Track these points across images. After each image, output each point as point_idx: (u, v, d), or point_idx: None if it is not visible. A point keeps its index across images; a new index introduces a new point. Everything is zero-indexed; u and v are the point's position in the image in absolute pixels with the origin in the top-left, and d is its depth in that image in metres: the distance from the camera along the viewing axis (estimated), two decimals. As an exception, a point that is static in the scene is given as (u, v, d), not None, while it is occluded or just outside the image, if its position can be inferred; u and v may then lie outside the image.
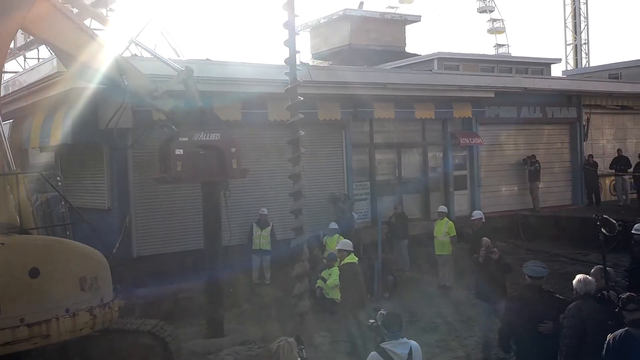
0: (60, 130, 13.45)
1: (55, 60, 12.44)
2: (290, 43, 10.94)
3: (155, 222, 13.94)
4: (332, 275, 11.86)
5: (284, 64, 11.29)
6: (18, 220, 7.61)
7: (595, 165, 21.60)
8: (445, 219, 14.76)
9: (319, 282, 12.43)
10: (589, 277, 6.97)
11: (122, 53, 10.66)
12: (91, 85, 11.05)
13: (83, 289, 7.50)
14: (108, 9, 20.69)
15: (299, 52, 11.29)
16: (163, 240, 13.94)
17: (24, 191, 7.97)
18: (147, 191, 13.66)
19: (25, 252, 7.19)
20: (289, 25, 10.86)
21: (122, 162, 13.72)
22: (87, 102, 12.30)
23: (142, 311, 10.53)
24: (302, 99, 11.28)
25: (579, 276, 6.96)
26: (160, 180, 10.97)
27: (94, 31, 10.47)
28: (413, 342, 5.92)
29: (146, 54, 11.85)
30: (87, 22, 11.59)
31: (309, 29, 29.77)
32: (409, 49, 30.21)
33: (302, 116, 11.35)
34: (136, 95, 10.14)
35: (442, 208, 15.37)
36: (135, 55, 12.37)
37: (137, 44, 11.28)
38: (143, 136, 11.24)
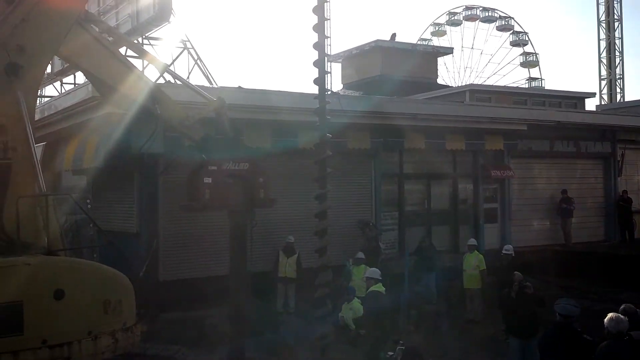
0: (93, 154, 13.67)
1: (90, 86, 12.69)
2: (320, 81, 10.98)
3: (182, 247, 13.98)
4: (353, 309, 11.70)
5: (315, 92, 11.33)
6: (45, 241, 7.68)
7: (630, 201, 21.16)
8: (475, 252, 14.53)
9: (343, 311, 12.27)
10: (621, 316, 6.74)
11: (156, 80, 10.82)
12: (125, 112, 11.22)
13: (106, 312, 7.50)
14: (144, 37, 21.13)
15: (329, 72, 11.34)
16: (189, 265, 13.96)
17: (52, 213, 8.05)
18: (175, 216, 13.73)
19: (51, 273, 7.23)
20: (319, 46, 10.88)
21: (151, 187, 13.86)
22: (120, 127, 12.49)
23: (167, 336, 10.49)
24: (331, 136, 11.23)
25: (610, 314, 6.74)
26: (188, 208, 11.01)
27: (130, 60, 10.65)
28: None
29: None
30: (122, 50, 11.83)
31: (340, 60, 30.02)
32: (440, 80, 30.17)
33: (331, 153, 11.28)
34: (168, 123, 10.28)
35: (472, 241, 15.14)
36: (169, 82, 12.56)
37: (171, 74, 11.45)
38: (174, 163, 11.33)
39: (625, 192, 21.39)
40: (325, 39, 10.67)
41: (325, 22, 10.68)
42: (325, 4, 9.86)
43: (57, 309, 7.10)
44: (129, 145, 13.30)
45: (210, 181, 10.29)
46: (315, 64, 10.99)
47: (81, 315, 7.32)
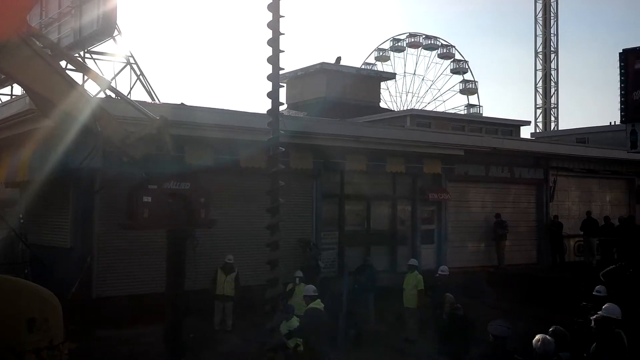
0: (27, 167, 13.32)
1: (27, 98, 12.41)
2: (273, 94, 10.95)
3: (117, 263, 13.73)
4: (292, 328, 11.69)
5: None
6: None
7: (560, 226, 21.97)
8: (415, 272, 14.74)
9: (282, 329, 12.25)
10: (548, 337, 6.99)
11: (96, 95, 10.70)
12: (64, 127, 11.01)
13: (31, 330, 7.28)
14: (85, 51, 20.82)
15: (283, 104, 11.33)
16: (124, 282, 13.72)
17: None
18: (111, 233, 13.49)
19: (-29, 290, 6.99)
20: (273, 77, 10.84)
21: (87, 202, 13.61)
22: (57, 141, 12.24)
23: (100, 354, 10.26)
24: (284, 149, 11.20)
25: (537, 336, 6.97)
26: (126, 226, 10.85)
27: (70, 75, 10.50)
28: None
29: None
30: (62, 64, 11.62)
31: (285, 80, 30.28)
32: (383, 104, 30.83)
33: (283, 167, 11.26)
34: (109, 140, 10.13)
35: (413, 261, 15.38)
36: (110, 97, 12.42)
37: (112, 90, 11.33)
38: (112, 179, 11.16)
39: (556, 217, 22.20)
40: (280, 53, 10.67)
41: (280, 36, 10.73)
42: (280, 19, 9.89)
43: (-23, 326, 6.85)
44: (65, 159, 13.03)
45: (150, 200, 10.18)
46: (269, 77, 10.96)
47: (3, 332, 7.09)
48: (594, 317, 8.16)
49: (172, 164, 10.72)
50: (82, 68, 11.51)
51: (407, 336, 14.25)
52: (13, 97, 19.84)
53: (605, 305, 8.63)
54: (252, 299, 12.64)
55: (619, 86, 14.17)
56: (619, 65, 14.20)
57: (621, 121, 14.60)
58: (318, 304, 10.51)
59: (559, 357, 6.99)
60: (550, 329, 7.71)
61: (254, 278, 14.37)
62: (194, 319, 12.02)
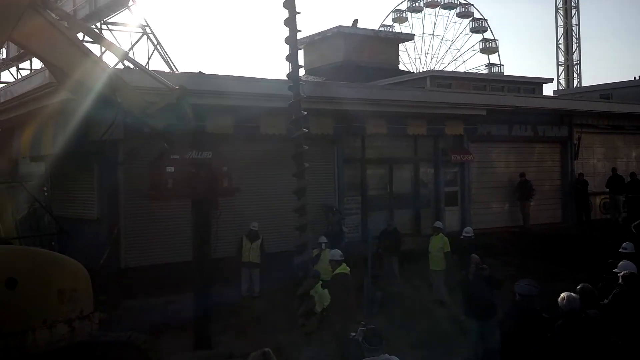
0: (51, 141, 13.42)
1: (47, 72, 12.43)
2: (292, 58, 10.81)
3: (144, 234, 13.86)
4: (318, 293, 11.77)
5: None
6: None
7: (586, 183, 21.71)
8: (441, 234, 14.69)
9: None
10: (573, 295, 6.92)
11: (114, 66, 10.65)
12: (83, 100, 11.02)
13: (62, 301, 7.40)
14: (102, 22, 20.77)
15: (302, 66, 11.08)
16: (151, 252, 13.86)
17: (6, 201, 7.91)
18: (136, 203, 13.61)
19: (2, 262, 7.11)
20: (291, 41, 10.71)
21: (112, 174, 13.68)
22: (78, 114, 12.27)
23: (129, 323, 10.41)
24: (306, 113, 11.06)
25: (562, 294, 6.91)
26: (151, 196, 10.92)
27: (88, 46, 10.46)
28: (395, 358, 5.85)
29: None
30: (79, 36, 11.56)
31: (303, 45, 29.95)
32: (402, 66, 30.44)
33: (306, 130, 11.11)
34: (129, 111, 10.12)
35: (438, 224, 15.33)
36: (129, 67, 12.38)
37: (130, 60, 11.27)
38: (135, 151, 11.19)
39: (581, 174, 21.93)
40: (296, 15, 10.46)
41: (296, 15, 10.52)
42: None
43: (10, 298, 6.99)
44: (88, 132, 13.10)
45: (173, 170, 10.26)
46: (288, 58, 10.83)
47: (35, 304, 7.22)
48: (622, 273, 8.07)
49: (193, 133, 10.71)
50: (98, 39, 11.45)
51: (437, 298, 14.26)
52: (33, 71, 19.92)
53: (621, 262, 8.53)
54: (278, 266, 12.74)
55: (644, 39, 13.74)
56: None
57: (646, 75, 14.20)
58: (344, 269, 10.52)
59: (587, 314, 6.93)
60: (578, 287, 7.64)
61: (279, 244, 14.46)
62: (221, 287, 12.16)
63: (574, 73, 51.93)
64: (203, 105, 13.07)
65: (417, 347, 11.00)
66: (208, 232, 10.98)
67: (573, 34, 52.19)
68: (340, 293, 10.22)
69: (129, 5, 20.21)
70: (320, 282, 11.39)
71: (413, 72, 42.72)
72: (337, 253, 10.83)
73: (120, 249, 13.53)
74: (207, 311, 10.90)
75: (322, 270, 12.44)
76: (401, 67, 31.79)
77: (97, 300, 7.97)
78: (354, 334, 6.22)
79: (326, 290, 11.16)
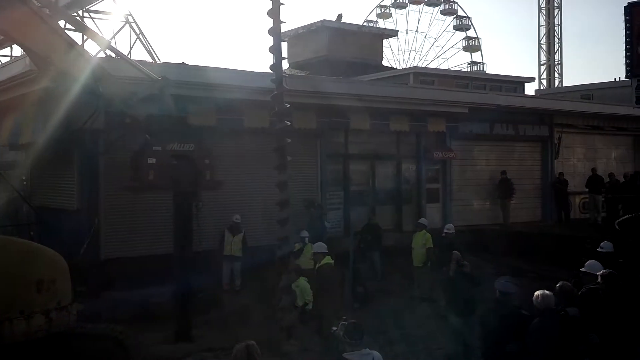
0: (31, 129, 13.24)
1: (27, 59, 12.23)
2: (275, 49, 10.70)
3: (124, 225, 13.74)
4: (300, 287, 11.76)
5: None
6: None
7: (566, 183, 21.93)
8: (424, 231, 14.72)
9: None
10: (547, 292, 7.00)
11: (96, 55, 10.53)
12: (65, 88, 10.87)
13: (39, 291, 7.30)
14: (84, 10, 20.51)
15: (285, 58, 11.03)
16: (132, 243, 13.75)
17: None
18: (117, 194, 13.47)
19: (-22, 251, 6.99)
20: (275, 32, 10.62)
21: (92, 164, 13.54)
22: (59, 102, 12.10)
23: (108, 315, 10.33)
24: (289, 105, 11.00)
25: (537, 292, 7.00)
26: (132, 188, 10.82)
27: (70, 35, 10.30)
28: (376, 353, 5.85)
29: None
30: (61, 24, 11.39)
31: (287, 39, 29.85)
32: (385, 62, 30.51)
33: (289, 123, 11.06)
34: (111, 101, 10.00)
35: (422, 220, 15.34)
36: (111, 56, 12.23)
37: (112, 50, 11.15)
38: (116, 141, 11.07)
39: (561, 174, 22.13)
40: (280, 6, 10.38)
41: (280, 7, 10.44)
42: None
43: (-15, 288, 6.87)
44: (69, 121, 12.91)
45: (155, 162, 10.14)
46: (272, 50, 10.74)
47: (12, 294, 7.11)
48: (601, 272, 8.16)
49: (176, 124, 10.62)
50: (80, 27, 11.32)
51: (418, 294, 14.32)
52: (13, 58, 19.61)
53: (588, 262, 8.63)
54: (260, 259, 12.69)
55: (624, 40, 13.97)
56: (624, 19, 13.92)
57: (626, 76, 14.45)
58: (329, 260, 10.54)
59: (566, 313, 7.01)
60: (557, 285, 7.73)
61: (261, 238, 14.42)
62: (202, 279, 12.10)
63: (556, 73, 52.46)
64: (186, 96, 12.97)
65: (398, 343, 11.04)
66: (189, 225, 10.90)
67: (555, 34, 52.71)
68: (327, 284, 10.23)
69: (112, -7, 20.01)
70: (304, 278, 11.37)
71: (396, 68, 42.85)
72: (321, 246, 10.86)
73: (100, 240, 13.39)
74: (188, 304, 10.84)
75: (304, 265, 12.45)
76: (385, 62, 31.87)
77: (76, 292, 7.87)
78: (335, 328, 6.22)
79: (308, 284, 11.17)
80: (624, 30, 13.44)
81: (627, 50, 13.55)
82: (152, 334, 10.78)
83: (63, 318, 7.52)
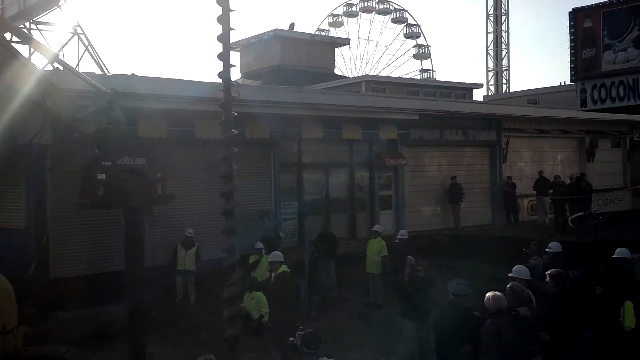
0: (-27, 146, 12.80)
1: (-31, 73, 11.87)
2: (224, 56, 10.62)
3: (74, 243, 13.44)
4: (255, 299, 11.71)
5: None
6: None
7: (514, 186, 22.43)
8: (379, 238, 14.83)
9: (245, 301, 12.24)
10: (498, 294, 7.13)
11: (43, 68, 10.30)
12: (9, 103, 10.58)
13: None
14: (31, 21, 20.04)
15: (235, 66, 10.92)
16: (82, 261, 13.45)
17: None
18: (66, 211, 13.15)
19: None
20: (223, 39, 10.50)
21: (40, 181, 13.20)
22: (4, 117, 11.76)
23: (58, 336, 10.07)
24: (237, 114, 10.93)
25: (488, 294, 7.12)
26: (81, 205, 10.55)
27: (16, 47, 10.05)
28: (333, 361, 5.89)
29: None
30: (7, 36, 11.09)
31: (238, 48, 29.81)
32: (337, 71, 30.78)
33: (236, 132, 10.97)
34: (58, 116, 9.78)
35: (377, 227, 15.47)
36: (58, 69, 11.98)
37: (60, 62, 10.91)
38: (64, 156, 10.82)
39: (509, 177, 22.62)
40: (230, 12, 10.26)
41: (230, 13, 10.35)
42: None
43: None
44: (14, 137, 12.58)
45: (104, 177, 9.92)
46: (220, 57, 10.62)
47: None
48: (549, 272, 8.38)
49: (126, 138, 10.45)
50: (27, 39, 11.01)
51: (374, 301, 14.42)
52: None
53: (515, 267, 8.84)
54: (215, 273, 12.56)
55: (569, 45, 14.34)
56: (568, 24, 14.35)
57: (571, 80, 14.83)
58: (285, 269, 10.55)
59: (517, 312, 7.17)
60: (508, 286, 7.89)
61: (215, 251, 14.28)
62: (156, 296, 11.91)
63: (503, 79, 53.57)
64: (135, 108, 12.81)
65: (355, 350, 11.11)
66: (141, 241, 10.72)
67: (503, 40, 53.83)
68: (285, 291, 10.23)
69: (60, 4, 19.59)
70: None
71: (349, 77, 43.18)
72: (277, 255, 10.87)
73: (49, 259, 13.05)
74: (141, 321, 10.65)
75: (260, 277, 12.39)
76: (337, 71, 32.10)
77: (23, 314, 7.65)
78: (292, 338, 6.23)
79: (264, 296, 11.11)
80: (569, 35, 13.87)
81: (571, 55, 13.92)
82: (106, 353, 10.59)
83: (9, 342, 7.31)
